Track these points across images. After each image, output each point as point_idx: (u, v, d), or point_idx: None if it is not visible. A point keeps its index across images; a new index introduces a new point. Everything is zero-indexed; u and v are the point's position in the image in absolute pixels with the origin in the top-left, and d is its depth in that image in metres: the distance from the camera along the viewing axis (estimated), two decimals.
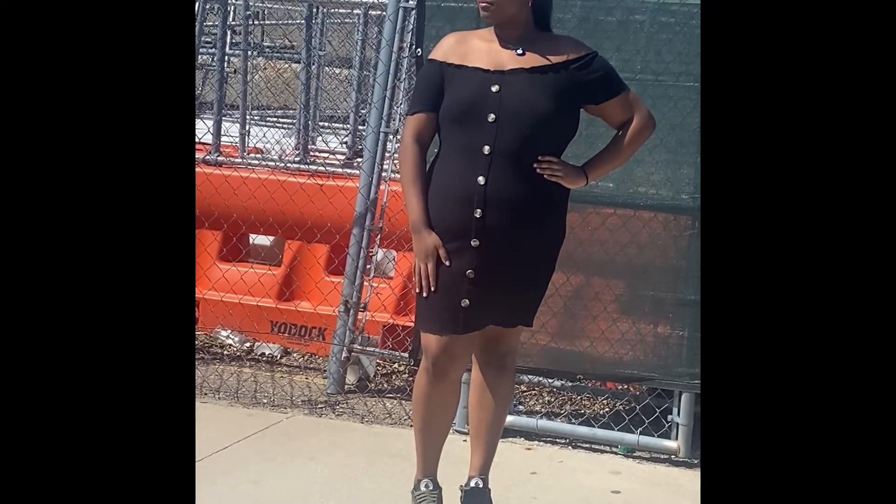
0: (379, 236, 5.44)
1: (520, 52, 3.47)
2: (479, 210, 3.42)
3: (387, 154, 5.44)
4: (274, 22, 11.87)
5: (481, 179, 3.41)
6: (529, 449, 4.71)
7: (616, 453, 4.71)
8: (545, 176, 3.45)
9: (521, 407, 5.15)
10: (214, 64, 7.93)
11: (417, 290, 3.51)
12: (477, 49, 3.50)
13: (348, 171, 6.55)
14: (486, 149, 3.41)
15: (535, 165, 3.44)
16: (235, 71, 8.62)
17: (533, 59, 3.46)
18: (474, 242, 3.43)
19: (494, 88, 3.43)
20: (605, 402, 5.24)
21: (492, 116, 3.42)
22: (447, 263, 3.45)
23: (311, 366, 5.85)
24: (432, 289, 3.47)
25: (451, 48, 3.53)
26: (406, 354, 5.29)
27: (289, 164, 6.63)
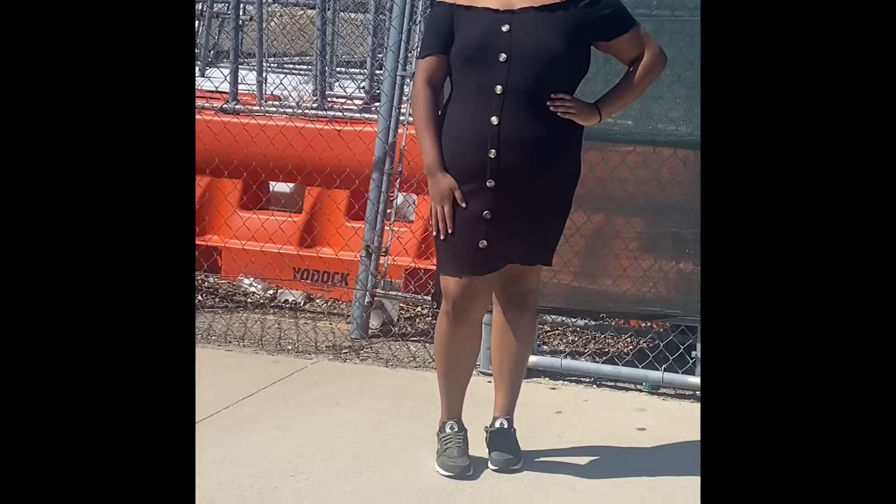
0: (398, 180, 5.44)
1: None
2: (493, 150, 3.41)
3: (404, 98, 5.42)
4: None
5: (494, 120, 3.40)
6: (554, 388, 4.72)
7: (640, 391, 4.72)
8: (559, 113, 3.44)
9: (544, 347, 5.16)
10: (230, 12, 7.88)
11: (435, 233, 3.52)
12: None
13: (366, 115, 6.53)
14: (499, 89, 3.40)
15: (548, 103, 3.42)
16: (251, 18, 8.58)
17: None
18: (490, 183, 3.43)
19: (504, 28, 3.40)
20: (628, 340, 5.24)
21: (503, 56, 3.39)
22: (463, 205, 3.45)
23: (335, 311, 5.87)
24: (450, 231, 3.47)
25: None
26: (429, 298, 5.30)
27: (306, 111, 6.61)
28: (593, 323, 5.16)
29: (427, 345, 5.17)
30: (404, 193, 5.87)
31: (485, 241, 3.46)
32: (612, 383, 4.78)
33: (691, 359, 4.69)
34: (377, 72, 8.01)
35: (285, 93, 7.70)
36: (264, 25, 8.06)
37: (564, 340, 5.36)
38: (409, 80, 5.37)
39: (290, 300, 6.00)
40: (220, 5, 9.34)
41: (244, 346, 5.17)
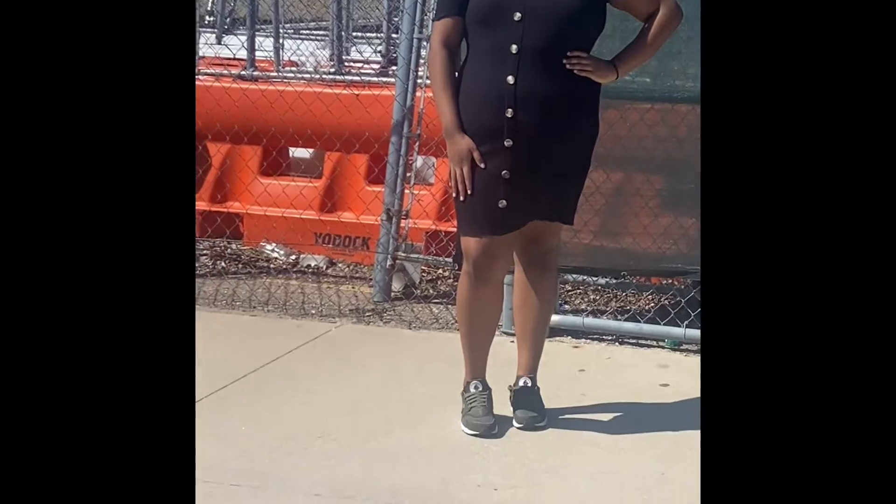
0: (417, 143, 5.45)
1: None
2: (510, 110, 3.42)
3: (421, 60, 5.42)
4: None
5: (510, 79, 3.41)
6: (577, 347, 4.75)
7: (663, 347, 4.74)
8: (575, 71, 3.45)
9: (566, 306, 5.18)
10: None
11: (454, 195, 3.53)
12: None
13: (384, 79, 6.53)
14: (514, 48, 3.40)
15: (564, 61, 3.43)
16: None
17: None
18: (508, 142, 3.44)
19: None
20: (649, 297, 5.26)
21: (518, 15, 3.40)
22: (482, 165, 3.47)
23: (357, 275, 5.90)
24: (469, 192, 3.49)
25: None
26: (450, 259, 5.32)
27: (324, 76, 6.62)
28: (614, 281, 5.17)
29: (449, 306, 5.20)
30: (423, 156, 5.88)
31: (504, 201, 3.48)
32: (634, 340, 4.79)
33: None
34: (393, 35, 8.01)
35: (302, 58, 7.71)
36: None
37: (586, 299, 5.38)
38: (425, 43, 5.37)
39: (312, 265, 6.03)
40: None
41: (268, 311, 5.21)
